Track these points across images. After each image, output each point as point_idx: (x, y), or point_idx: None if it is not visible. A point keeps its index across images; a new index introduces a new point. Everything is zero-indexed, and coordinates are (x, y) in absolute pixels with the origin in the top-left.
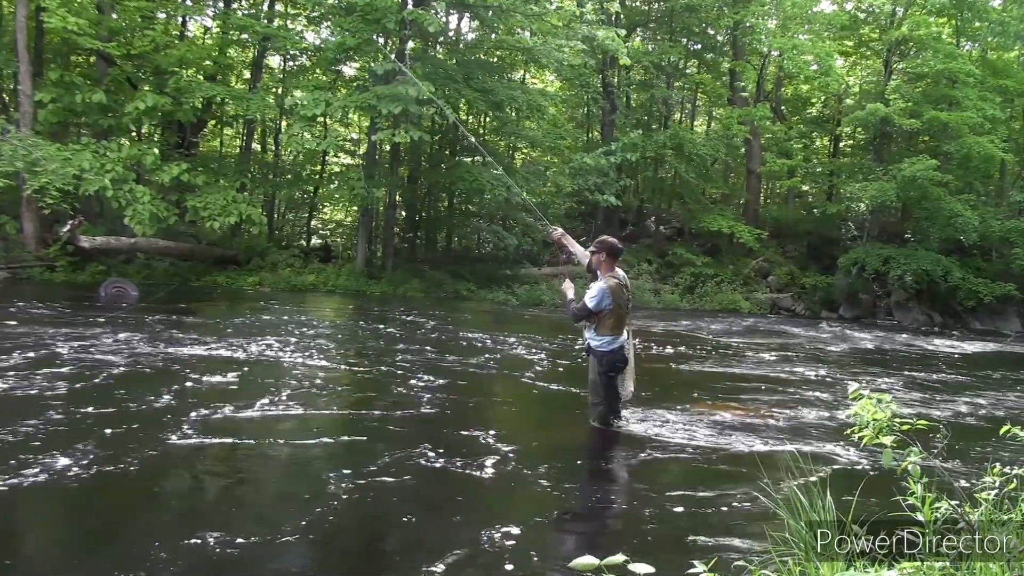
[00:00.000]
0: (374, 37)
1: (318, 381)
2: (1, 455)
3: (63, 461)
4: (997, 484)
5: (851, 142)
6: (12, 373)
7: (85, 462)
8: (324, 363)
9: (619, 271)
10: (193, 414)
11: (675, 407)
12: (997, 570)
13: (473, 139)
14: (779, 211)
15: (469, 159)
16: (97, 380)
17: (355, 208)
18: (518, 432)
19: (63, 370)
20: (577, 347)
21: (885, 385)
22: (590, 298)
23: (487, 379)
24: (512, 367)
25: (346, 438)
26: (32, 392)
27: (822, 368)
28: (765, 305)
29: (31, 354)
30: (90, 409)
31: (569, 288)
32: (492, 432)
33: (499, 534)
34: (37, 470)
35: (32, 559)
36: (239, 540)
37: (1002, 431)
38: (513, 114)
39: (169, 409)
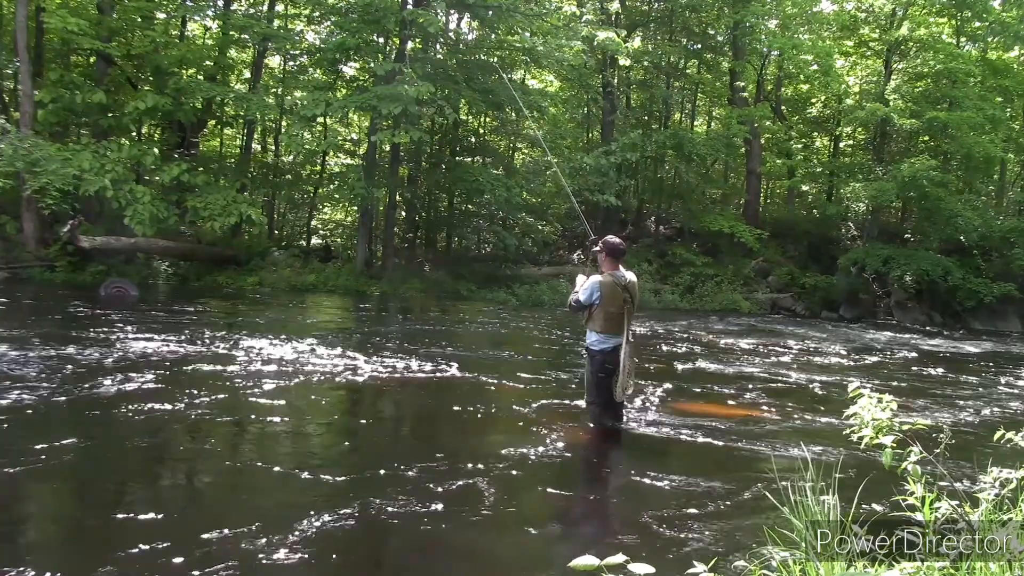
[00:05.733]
0: (374, 37)
1: (319, 380)
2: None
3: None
4: (997, 484)
5: (851, 142)
6: (14, 375)
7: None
8: (323, 361)
9: (622, 272)
10: (192, 411)
11: (675, 407)
12: (997, 570)
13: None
14: (779, 211)
15: (469, 159)
16: (97, 379)
17: (355, 208)
18: (516, 432)
19: (63, 370)
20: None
21: (885, 385)
22: (582, 290)
23: (485, 378)
24: (511, 366)
25: (343, 439)
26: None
27: (822, 368)
28: (765, 305)
29: (32, 354)
30: (88, 409)
31: (580, 281)
32: (490, 432)
33: (499, 534)
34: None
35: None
36: (237, 539)
37: (996, 437)
38: (513, 115)
39: (171, 406)
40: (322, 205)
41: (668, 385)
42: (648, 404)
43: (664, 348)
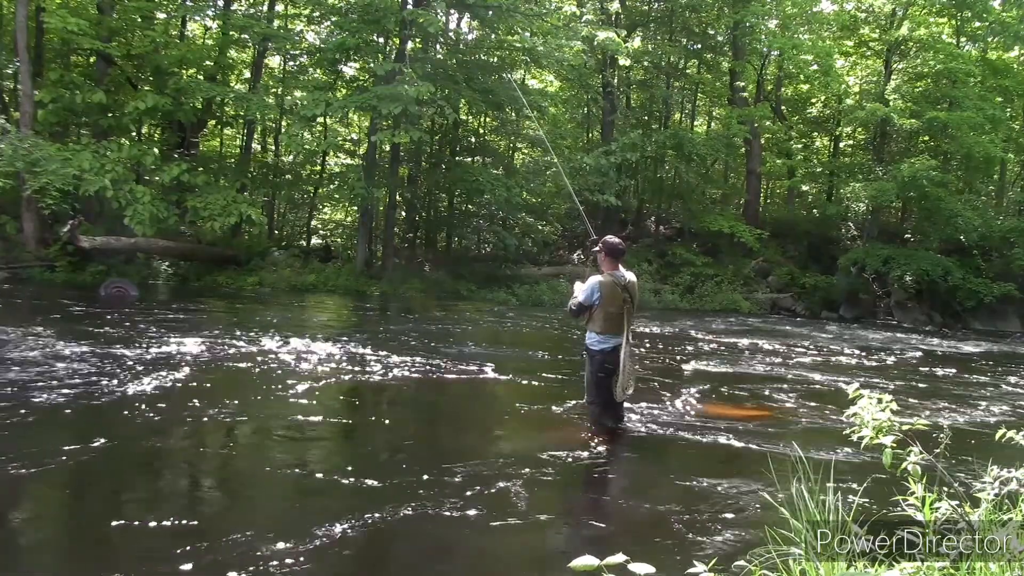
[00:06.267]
0: (374, 37)
1: (319, 381)
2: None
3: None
4: (996, 484)
5: (851, 142)
6: (17, 376)
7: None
8: (324, 361)
9: (622, 272)
10: (221, 412)
11: (675, 407)
12: (997, 570)
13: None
14: (779, 211)
15: (469, 159)
16: (102, 382)
17: (355, 208)
18: (517, 432)
19: (63, 372)
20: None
21: (885, 385)
22: (580, 291)
23: (485, 379)
24: (511, 367)
25: (342, 441)
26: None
27: (822, 368)
28: (765, 305)
29: (34, 352)
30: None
31: (578, 287)
32: (490, 432)
33: (499, 534)
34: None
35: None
36: (246, 544)
37: (997, 436)
38: (513, 114)
39: (198, 405)
40: (322, 205)
41: (669, 385)
42: (650, 404)
43: (665, 348)
